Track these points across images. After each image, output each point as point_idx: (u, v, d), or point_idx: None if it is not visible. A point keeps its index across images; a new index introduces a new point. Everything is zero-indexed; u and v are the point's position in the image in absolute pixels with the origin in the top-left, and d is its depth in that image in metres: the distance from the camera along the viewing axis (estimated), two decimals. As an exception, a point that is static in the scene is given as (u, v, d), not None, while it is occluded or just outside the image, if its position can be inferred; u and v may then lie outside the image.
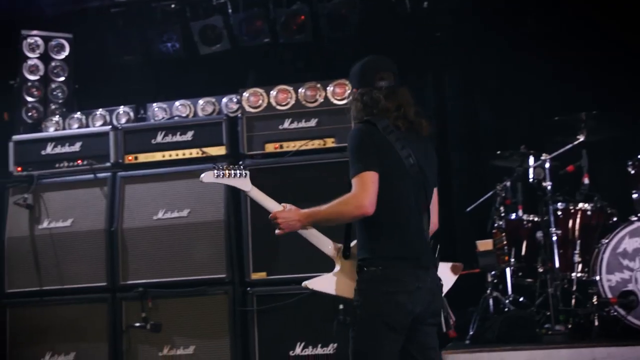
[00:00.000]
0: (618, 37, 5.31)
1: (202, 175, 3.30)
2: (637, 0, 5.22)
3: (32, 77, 5.82)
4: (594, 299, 4.45)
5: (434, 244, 2.97)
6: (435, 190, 3.06)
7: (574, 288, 4.65)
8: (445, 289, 3.02)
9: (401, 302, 2.82)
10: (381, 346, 2.81)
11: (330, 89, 5.00)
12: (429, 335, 2.94)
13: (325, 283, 3.09)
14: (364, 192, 2.86)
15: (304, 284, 3.20)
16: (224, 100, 5.37)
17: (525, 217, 4.97)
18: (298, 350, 4.77)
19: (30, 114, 5.75)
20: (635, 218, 4.51)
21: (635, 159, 4.62)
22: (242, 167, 3.28)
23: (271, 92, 5.09)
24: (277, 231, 3.04)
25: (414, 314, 2.84)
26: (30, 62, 5.83)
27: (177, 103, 5.41)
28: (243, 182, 3.32)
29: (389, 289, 2.82)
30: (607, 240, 4.49)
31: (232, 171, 3.29)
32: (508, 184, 4.95)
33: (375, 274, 2.85)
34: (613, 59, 5.41)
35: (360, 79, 3.13)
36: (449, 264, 3.14)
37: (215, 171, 3.24)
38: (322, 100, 5.00)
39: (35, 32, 5.85)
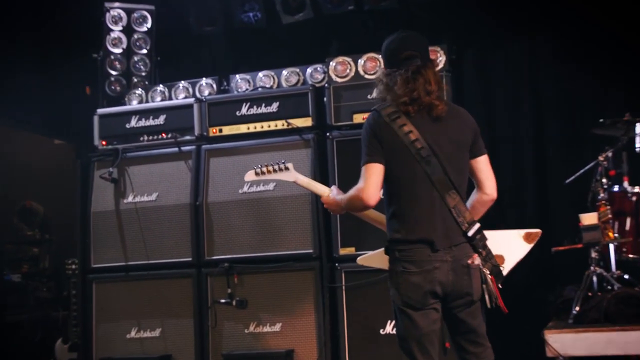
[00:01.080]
0: None
1: (245, 175, 3.68)
2: None
3: (115, 50, 6.15)
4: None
5: (469, 221, 3.20)
6: (483, 159, 3.34)
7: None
8: (516, 259, 3.30)
9: (416, 283, 3.18)
10: (407, 319, 3.22)
11: (422, 55, 5.24)
12: (465, 319, 3.24)
13: (376, 259, 3.46)
14: (363, 185, 3.23)
15: (358, 260, 3.61)
16: (309, 70, 5.55)
17: (630, 189, 4.96)
18: (389, 328, 4.94)
19: (113, 87, 6.09)
20: None
21: None
22: (282, 162, 3.55)
23: (359, 60, 5.23)
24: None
25: (435, 293, 3.19)
26: (113, 34, 6.15)
27: (260, 74, 5.63)
28: (287, 175, 3.61)
29: (404, 270, 3.21)
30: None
31: (272, 167, 3.58)
32: (610, 154, 4.98)
33: (393, 258, 3.26)
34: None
35: (385, 59, 3.38)
36: (521, 232, 3.37)
37: (256, 169, 3.60)
38: (410, 68, 5.24)
39: (117, 4, 6.15)
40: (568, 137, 5.98)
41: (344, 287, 5.08)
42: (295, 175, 3.65)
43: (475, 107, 6.00)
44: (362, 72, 5.30)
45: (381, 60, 5.27)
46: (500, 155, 6.01)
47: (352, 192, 3.28)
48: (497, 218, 5.81)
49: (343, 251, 5.13)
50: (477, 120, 6.00)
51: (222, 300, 5.24)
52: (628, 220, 5.03)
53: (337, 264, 5.12)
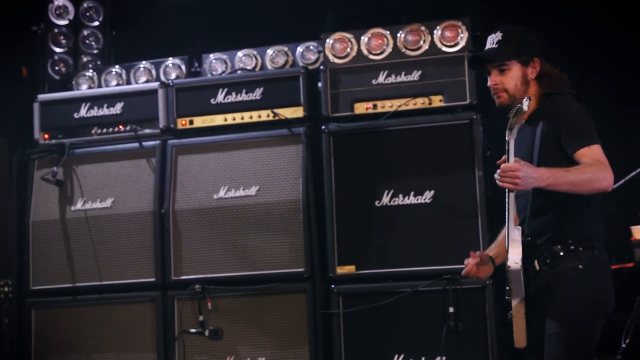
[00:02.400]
0: None
1: None
2: None
3: (59, 22, 6.08)
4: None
5: None
6: None
7: None
8: None
9: (611, 286, 3.49)
10: (597, 329, 3.43)
11: (437, 32, 5.10)
12: None
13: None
14: (609, 167, 3.33)
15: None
16: (299, 49, 5.53)
17: None
18: (395, 364, 4.96)
19: (57, 67, 6.04)
20: None
21: None
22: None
23: (362, 37, 5.22)
24: (507, 185, 3.30)
25: None
26: (57, 2, 6.09)
27: (239, 53, 5.58)
28: None
29: (603, 271, 3.48)
30: None
31: None
32: None
33: (591, 256, 3.43)
34: None
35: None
36: None
37: None
38: (427, 47, 5.12)
39: (62, -35, 6.15)
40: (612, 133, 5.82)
41: (341, 314, 5.08)
42: None
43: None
44: (365, 52, 5.29)
45: (389, 37, 5.11)
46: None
47: (597, 168, 3.32)
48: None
49: (340, 270, 5.12)
50: (504, 112, 6.00)
51: (192, 330, 5.20)
52: (688, 235, 4.92)
53: (333, 286, 5.12)
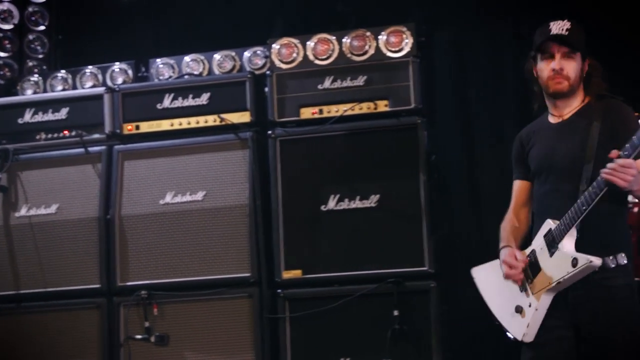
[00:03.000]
0: None
1: None
2: None
3: (4, 26, 6.02)
4: None
5: None
6: None
7: None
8: None
9: None
10: None
11: (382, 37, 5.13)
12: None
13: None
14: None
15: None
16: (246, 53, 5.53)
17: (631, 199, 4.96)
18: (342, 367, 4.97)
19: (2, 72, 5.98)
20: None
21: None
22: None
23: (308, 42, 5.24)
24: (617, 180, 3.30)
25: None
26: (1, 6, 6.03)
27: (187, 58, 5.57)
28: None
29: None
30: None
31: None
32: None
33: (630, 269, 3.57)
34: None
35: None
36: None
37: None
38: (372, 52, 5.15)
39: (6, -33, 6.12)
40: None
41: (288, 318, 5.09)
42: None
43: (448, 100, 5.94)
44: (311, 57, 5.31)
45: (335, 43, 5.14)
46: (478, 158, 5.94)
47: None
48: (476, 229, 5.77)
49: (287, 275, 5.13)
50: (451, 117, 6.07)
51: (138, 337, 5.17)
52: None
53: (279, 291, 5.14)
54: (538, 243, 3.63)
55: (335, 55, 5.22)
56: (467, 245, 5.77)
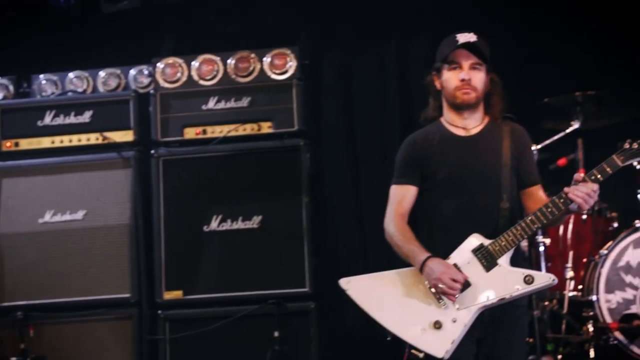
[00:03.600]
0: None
1: None
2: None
3: None
4: (590, 324, 4.71)
5: None
6: None
7: (565, 310, 4.85)
8: None
9: None
10: None
11: (267, 59, 5.17)
12: None
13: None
14: None
15: None
16: (132, 72, 5.48)
17: None
18: (222, 389, 4.95)
19: None
20: None
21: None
22: None
23: (192, 62, 5.24)
24: (582, 202, 3.35)
25: None
26: None
27: (71, 75, 5.49)
28: None
29: None
30: (606, 252, 4.74)
31: None
32: None
33: None
34: (619, 25, 5.74)
35: None
36: None
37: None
38: (257, 74, 5.18)
39: None
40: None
41: (167, 340, 5.04)
42: None
43: (335, 124, 6.00)
44: (196, 77, 5.31)
45: (219, 64, 5.15)
46: (363, 181, 5.97)
47: None
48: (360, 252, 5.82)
49: (168, 295, 5.10)
50: (337, 139, 6.14)
51: (13, 359, 5.03)
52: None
53: (159, 311, 5.09)
54: (463, 258, 3.47)
55: (219, 76, 5.22)
56: (351, 266, 5.83)
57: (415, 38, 6.24)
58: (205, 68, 5.25)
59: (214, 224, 5.08)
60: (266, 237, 5.05)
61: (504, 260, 3.44)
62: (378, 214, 6.02)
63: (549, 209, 3.39)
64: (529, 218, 3.42)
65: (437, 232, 3.60)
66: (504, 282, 3.42)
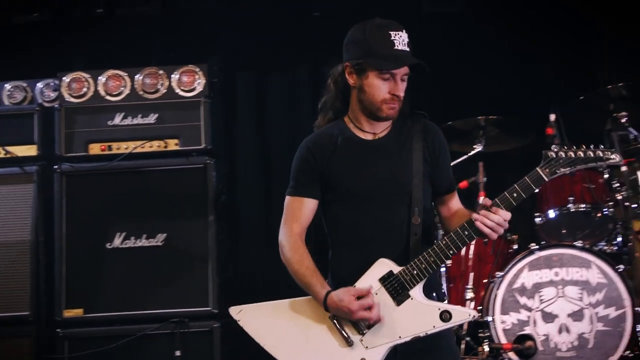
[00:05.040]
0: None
1: None
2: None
3: None
4: (485, 345, 4.77)
5: None
6: None
7: (465, 331, 4.89)
8: None
9: None
10: None
11: (175, 76, 5.16)
12: None
13: None
14: None
15: None
16: (39, 85, 5.41)
17: None
18: (123, 410, 4.88)
19: None
20: (537, 247, 4.83)
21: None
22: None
23: (99, 77, 5.19)
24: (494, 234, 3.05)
25: None
26: None
27: None
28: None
29: None
30: (502, 274, 4.83)
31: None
32: None
33: None
34: (518, 51, 5.94)
35: None
36: None
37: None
38: (164, 91, 5.17)
39: None
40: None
41: (66, 359, 4.97)
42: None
43: (250, 144, 6.02)
44: (102, 93, 5.26)
45: (127, 79, 5.13)
46: (275, 200, 6.02)
47: None
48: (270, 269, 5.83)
49: (68, 313, 5.02)
50: (250, 158, 6.16)
51: None
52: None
53: (58, 330, 5.01)
54: (370, 286, 3.10)
55: (127, 91, 5.19)
56: (259, 285, 5.86)
57: (328, 59, 6.31)
58: (112, 83, 5.21)
59: (117, 241, 5.03)
60: (170, 255, 5.01)
61: (416, 292, 3.08)
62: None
63: (466, 232, 3.05)
64: (443, 242, 3.07)
65: (341, 251, 3.24)
66: (417, 318, 3.07)
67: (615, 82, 5.10)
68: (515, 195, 3.04)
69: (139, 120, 5.17)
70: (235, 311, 3.29)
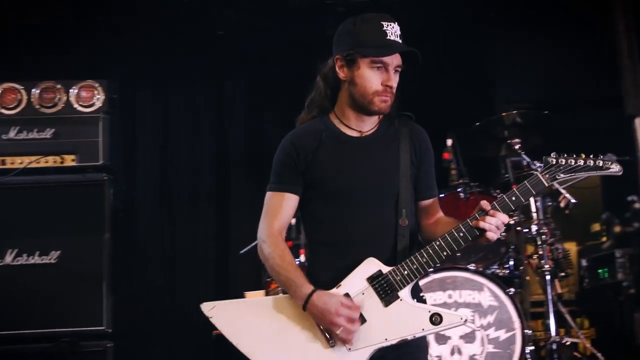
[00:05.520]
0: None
1: None
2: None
3: None
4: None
5: None
6: None
7: None
8: None
9: None
10: None
11: (74, 91, 5.09)
12: None
13: None
14: None
15: None
16: None
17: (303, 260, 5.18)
18: None
19: None
20: (431, 269, 4.94)
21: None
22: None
23: (-17, 90, 5.05)
24: (494, 238, 2.95)
25: None
26: None
27: None
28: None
29: None
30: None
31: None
32: (293, 221, 5.15)
33: None
34: (418, 74, 6.06)
35: None
36: None
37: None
38: (62, 105, 5.08)
39: None
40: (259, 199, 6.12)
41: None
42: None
43: (149, 161, 5.98)
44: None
45: (23, 93, 5.04)
46: (178, 217, 5.91)
47: None
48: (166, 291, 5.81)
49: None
50: (152, 178, 6.11)
51: None
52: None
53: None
54: (356, 287, 2.99)
55: (22, 105, 5.08)
56: (155, 304, 5.80)
57: (230, 79, 6.36)
58: (8, 97, 5.09)
59: (8, 258, 4.89)
60: (64, 273, 4.90)
61: (405, 293, 2.96)
62: (189, 252, 6.14)
63: (461, 234, 2.96)
64: (437, 243, 2.96)
65: (323, 251, 3.10)
66: (406, 321, 2.95)
67: (510, 110, 5.27)
68: (514, 198, 2.98)
69: (34, 134, 5.06)
70: (207, 307, 3.08)
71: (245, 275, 5.95)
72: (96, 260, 4.93)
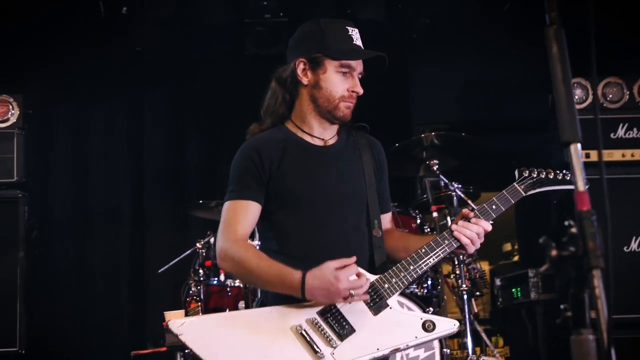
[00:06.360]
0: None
1: None
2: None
3: None
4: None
5: None
6: None
7: None
8: None
9: None
10: None
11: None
12: None
13: None
14: None
15: None
16: None
17: (229, 282, 5.13)
18: None
19: None
20: None
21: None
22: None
23: None
24: (473, 249, 2.87)
25: None
26: None
27: None
28: None
29: None
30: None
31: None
32: (212, 240, 5.15)
33: None
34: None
35: None
36: None
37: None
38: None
39: None
40: (174, 217, 6.08)
41: None
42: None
43: (66, 178, 5.89)
44: None
45: None
46: (95, 234, 5.95)
47: None
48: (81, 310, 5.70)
49: None
50: (68, 195, 5.99)
51: None
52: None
53: None
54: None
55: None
56: (71, 325, 5.68)
57: (148, 93, 6.31)
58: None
59: None
60: (-24, 293, 4.79)
61: (394, 301, 2.82)
62: (105, 271, 6.03)
63: (446, 242, 2.87)
64: (422, 250, 2.86)
65: (293, 265, 2.75)
66: (398, 329, 2.79)
67: (428, 131, 5.36)
68: (494, 207, 2.93)
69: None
70: (175, 325, 2.72)
71: (163, 294, 5.88)
72: (10, 280, 4.83)
